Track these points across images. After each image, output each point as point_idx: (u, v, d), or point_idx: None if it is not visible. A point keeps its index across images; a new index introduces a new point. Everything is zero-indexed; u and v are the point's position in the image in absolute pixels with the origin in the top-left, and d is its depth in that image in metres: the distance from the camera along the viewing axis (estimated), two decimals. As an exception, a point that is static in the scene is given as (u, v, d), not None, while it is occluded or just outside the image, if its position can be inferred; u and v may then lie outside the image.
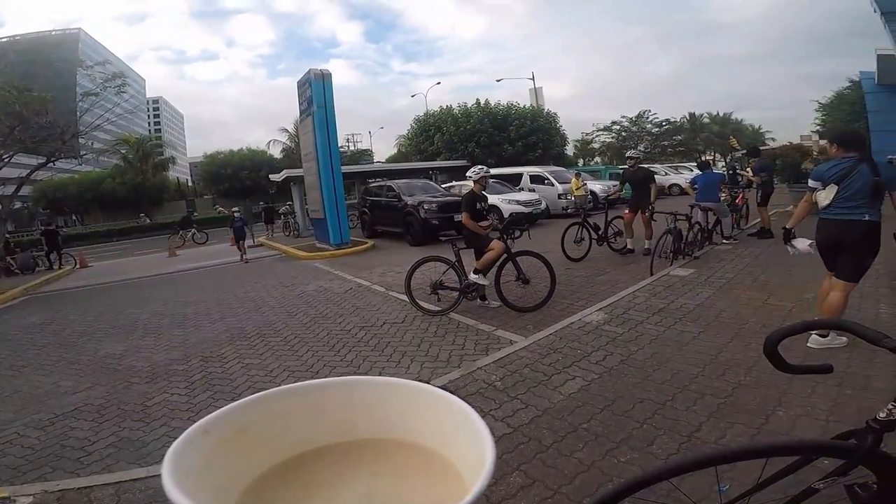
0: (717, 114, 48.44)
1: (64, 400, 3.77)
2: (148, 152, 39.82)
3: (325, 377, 3.67)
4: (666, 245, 6.33)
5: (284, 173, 17.99)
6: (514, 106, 25.81)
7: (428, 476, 0.64)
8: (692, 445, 2.33)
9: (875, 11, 5.11)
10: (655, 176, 7.96)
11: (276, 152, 39.92)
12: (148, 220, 33.56)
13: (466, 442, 0.59)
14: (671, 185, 22.45)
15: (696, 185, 7.88)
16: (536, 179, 15.96)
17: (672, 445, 2.34)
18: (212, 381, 3.90)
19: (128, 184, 37.50)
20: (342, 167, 12.19)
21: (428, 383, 0.67)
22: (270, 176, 20.95)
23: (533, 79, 30.23)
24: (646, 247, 7.25)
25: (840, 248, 3.28)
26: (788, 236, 3.61)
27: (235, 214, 12.41)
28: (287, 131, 38.23)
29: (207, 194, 43.51)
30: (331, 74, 10.99)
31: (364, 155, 44.65)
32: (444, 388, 2.85)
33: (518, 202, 12.92)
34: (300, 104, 12.03)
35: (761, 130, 49.58)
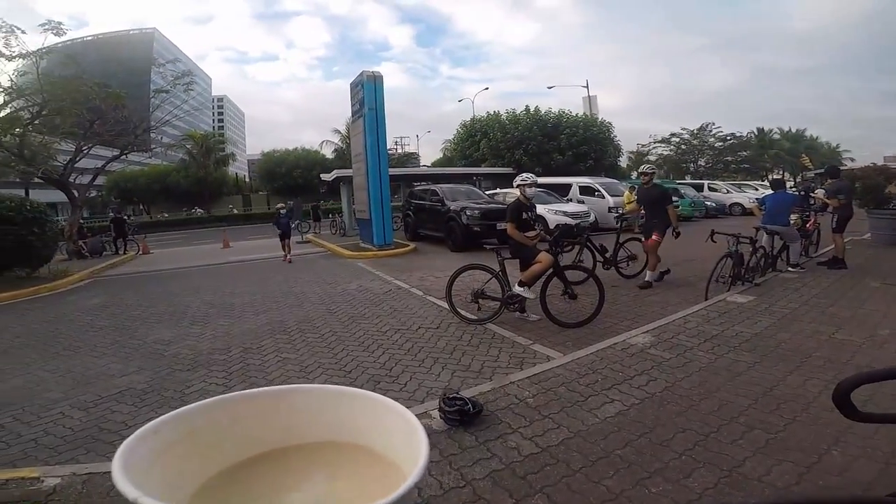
0: (789, 129, 45.38)
1: (110, 382, 3.94)
2: (211, 148, 42.28)
3: (357, 378, 3.69)
4: (725, 269, 5.92)
5: (335, 173, 18.48)
6: (566, 114, 25.17)
7: (371, 475, 0.68)
8: (732, 481, 2.14)
9: None
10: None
11: (328, 152, 41.25)
12: (199, 212, 34.97)
13: (404, 441, 0.61)
14: (732, 204, 21.24)
15: (763, 206, 7.26)
16: (586, 191, 15.50)
17: (710, 479, 2.16)
18: (249, 373, 3.98)
19: (191, 177, 39.90)
20: (389, 169, 12.34)
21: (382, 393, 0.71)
22: (321, 175, 21.56)
23: (587, 87, 29.46)
24: (646, 279, 6.66)
25: None
26: None
27: (281, 211, 11.93)
28: (339, 132, 39.34)
29: (262, 191, 45.50)
30: (382, 77, 11.17)
31: (411, 158, 45.33)
32: (473, 399, 2.77)
33: (565, 213, 12.59)
34: (352, 105, 12.29)
35: (838, 149, 46.09)
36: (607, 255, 6.94)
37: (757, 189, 23.56)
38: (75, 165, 14.82)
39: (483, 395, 3.11)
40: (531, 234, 5.02)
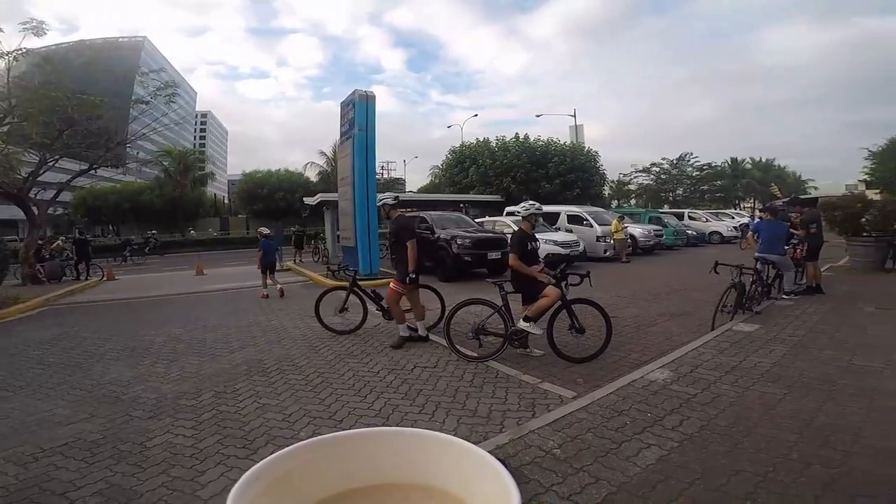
0: (760, 160, 47.36)
1: (55, 431, 3.38)
2: (189, 166, 40.60)
3: (351, 427, 3.26)
4: (729, 299, 5.87)
5: (319, 197, 18.04)
6: (554, 142, 25.40)
7: None
8: None
9: None
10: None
11: (312, 175, 40.41)
12: (155, 234, 31.78)
13: (494, 493, 0.61)
14: (711, 233, 21.64)
15: (757, 236, 7.25)
16: (574, 219, 15.37)
17: None
18: (223, 422, 3.47)
19: (165, 196, 38.07)
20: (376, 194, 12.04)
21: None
22: (304, 199, 20.96)
23: (574, 116, 29.73)
24: (401, 333, 5.34)
25: None
26: None
27: (264, 235, 10.29)
28: (325, 154, 38.56)
29: (242, 213, 44.20)
30: (374, 97, 10.83)
31: (397, 183, 45.15)
32: (492, 452, 2.40)
33: (556, 242, 12.41)
34: (342, 125, 11.95)
35: (802, 178, 48.20)
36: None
37: (733, 217, 24.17)
38: (38, 179, 13.46)
39: (501, 450, 2.72)
40: (536, 267, 4.70)
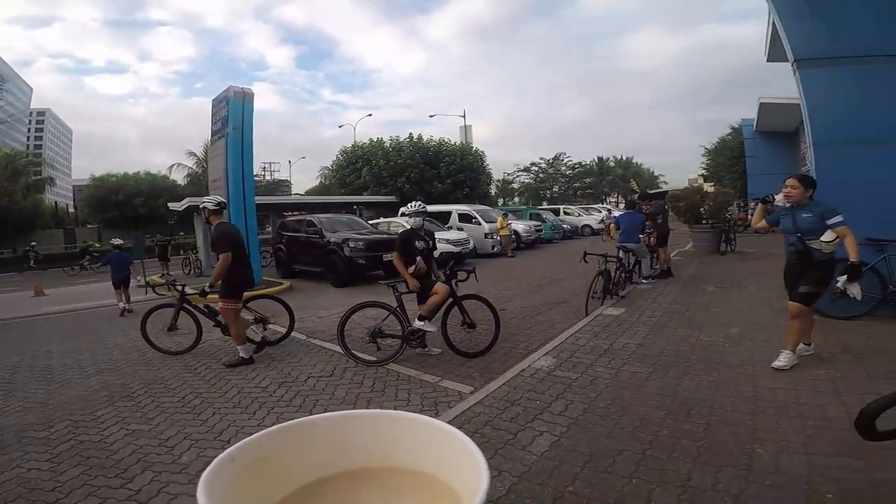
0: (622, 158, 53.16)
1: None
2: (19, 170, 33.96)
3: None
4: (598, 286, 6.47)
5: (186, 202, 16.24)
6: (446, 143, 25.93)
7: (429, 499, 0.70)
8: (691, 497, 2.13)
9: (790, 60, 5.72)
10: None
11: (179, 178, 36.35)
12: (35, 246, 27.66)
13: (463, 467, 0.63)
14: (583, 226, 24.00)
15: (619, 226, 8.18)
16: (464, 218, 16.03)
17: (671, 499, 2.12)
18: (85, 452, 3.07)
19: (-12, 206, 31.41)
20: (256, 198, 11.23)
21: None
22: (170, 204, 18.63)
23: (464, 116, 30.75)
24: (241, 355, 4.85)
25: None
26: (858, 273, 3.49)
27: (115, 246, 9.39)
28: (195, 155, 34.99)
29: (92, 223, 38.05)
30: (252, 94, 10.19)
31: (281, 185, 42.65)
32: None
33: (448, 241, 12.74)
34: (213, 124, 10.97)
35: (656, 174, 55.40)
36: None
37: (601, 212, 27.05)
38: None
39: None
40: (411, 268, 4.68)
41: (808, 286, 3.55)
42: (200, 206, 5.26)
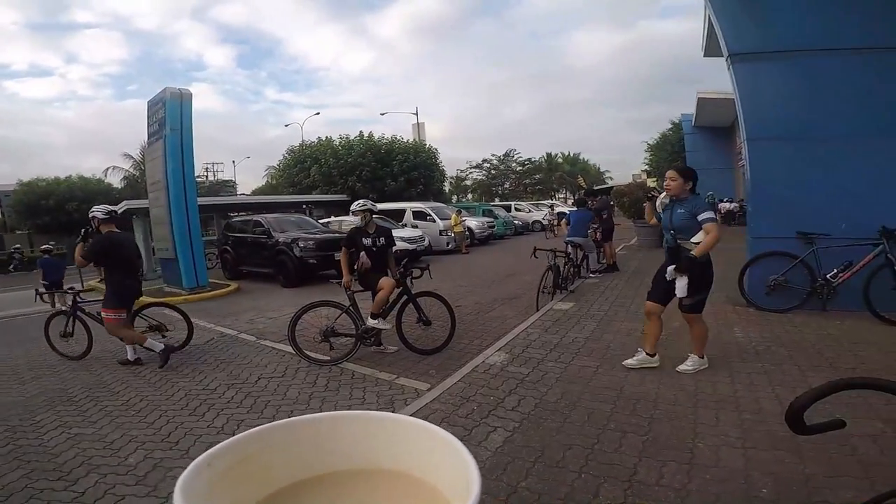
0: (569, 154, 54.11)
1: None
2: (-75, 177, 30.63)
3: (189, 449, 2.77)
4: (548, 281, 6.61)
5: (124, 205, 15.18)
6: (398, 140, 25.71)
7: (415, 502, 0.69)
8: (636, 490, 2.21)
9: (724, 54, 5.90)
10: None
11: (115, 181, 34.09)
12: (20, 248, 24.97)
13: (453, 470, 0.61)
14: (534, 222, 24.57)
15: (569, 222, 8.46)
16: (419, 215, 16.01)
17: (617, 494, 2.20)
18: (25, 456, 2.96)
19: None
20: (199, 199, 10.70)
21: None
22: (94, 209, 17.35)
23: (416, 114, 30.73)
24: (128, 357, 4.89)
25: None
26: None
27: (44, 251, 9.58)
28: (131, 157, 33.04)
29: (21, 229, 34.95)
30: (191, 94, 9.72)
31: (226, 186, 40.83)
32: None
33: (403, 239, 12.67)
34: (149, 126, 10.37)
35: (603, 170, 57.13)
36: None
37: (552, 208, 27.84)
38: None
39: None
40: (359, 264, 4.66)
41: (689, 299, 3.41)
42: (89, 216, 5.11)
